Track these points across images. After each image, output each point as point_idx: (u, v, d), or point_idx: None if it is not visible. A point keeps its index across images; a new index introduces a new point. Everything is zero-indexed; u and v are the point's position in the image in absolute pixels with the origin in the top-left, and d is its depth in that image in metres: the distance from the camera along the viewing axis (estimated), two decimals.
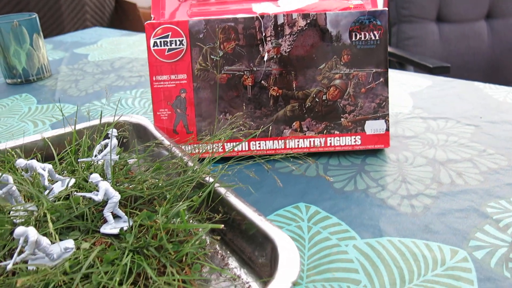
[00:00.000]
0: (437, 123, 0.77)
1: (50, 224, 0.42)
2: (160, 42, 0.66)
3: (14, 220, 0.47)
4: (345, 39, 0.66)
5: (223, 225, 0.46)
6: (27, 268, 0.42)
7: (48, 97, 1.02)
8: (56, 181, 0.53)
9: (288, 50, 0.66)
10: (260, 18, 0.65)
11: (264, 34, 0.66)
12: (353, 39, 0.65)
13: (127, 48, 1.40)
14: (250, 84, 0.67)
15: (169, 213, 0.46)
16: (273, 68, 0.66)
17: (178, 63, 0.67)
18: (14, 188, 0.50)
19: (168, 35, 0.66)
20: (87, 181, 0.53)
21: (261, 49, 0.66)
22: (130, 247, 0.43)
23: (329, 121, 0.67)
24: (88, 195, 0.47)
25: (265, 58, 0.66)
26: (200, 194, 0.50)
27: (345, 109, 0.67)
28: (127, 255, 0.42)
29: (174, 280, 0.40)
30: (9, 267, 0.40)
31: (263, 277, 0.43)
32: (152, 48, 0.66)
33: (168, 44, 0.66)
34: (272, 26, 0.65)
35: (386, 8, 0.65)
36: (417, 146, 0.70)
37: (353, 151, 0.70)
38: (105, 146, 0.57)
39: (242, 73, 0.67)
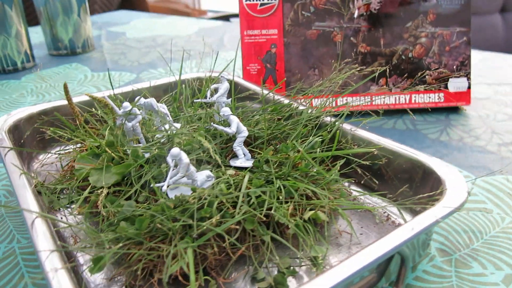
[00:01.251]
0: (503, 88, 0.80)
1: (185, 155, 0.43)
2: None
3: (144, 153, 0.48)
4: None
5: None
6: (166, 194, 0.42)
7: (100, 67, 1.01)
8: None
9: (378, 7, 0.68)
10: None
11: None
12: None
13: (161, 28, 1.40)
14: (340, 40, 0.69)
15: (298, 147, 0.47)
16: (362, 25, 0.68)
17: (269, 18, 0.68)
18: (137, 124, 0.50)
19: None
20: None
21: (351, 6, 0.68)
22: (275, 174, 0.44)
23: (414, 78, 0.69)
24: (222, 128, 0.48)
25: (355, 15, 0.68)
26: (329, 130, 0.51)
27: (429, 67, 0.69)
28: (273, 182, 0.43)
29: (325, 203, 0.41)
30: (164, 188, 0.41)
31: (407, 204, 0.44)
32: (244, 2, 0.68)
33: None
34: None
35: None
36: (492, 105, 0.73)
37: (433, 109, 0.72)
38: (215, 90, 0.57)
39: (332, 30, 0.68)
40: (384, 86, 0.70)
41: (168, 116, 0.52)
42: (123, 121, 0.49)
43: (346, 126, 0.51)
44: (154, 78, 0.92)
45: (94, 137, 0.51)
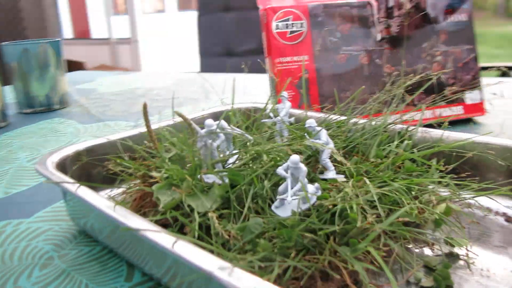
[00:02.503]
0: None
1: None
2: (282, 25, 0.69)
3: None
4: (441, 20, 0.74)
5: None
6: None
7: (88, 119, 0.95)
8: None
9: (397, 30, 0.72)
10: (371, 2, 0.71)
11: (377, 16, 0.71)
12: (447, 20, 0.74)
13: (132, 82, 1.36)
14: (366, 62, 0.71)
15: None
16: (385, 47, 0.72)
17: (299, 45, 0.69)
18: (211, 141, 0.47)
19: (289, 18, 0.69)
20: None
21: (372, 30, 0.72)
22: (385, 177, 0.43)
23: (435, 93, 0.73)
24: (313, 140, 0.47)
25: (378, 38, 0.72)
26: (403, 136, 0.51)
27: (447, 82, 0.74)
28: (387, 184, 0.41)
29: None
30: (289, 199, 0.38)
31: None
32: (274, 31, 0.68)
33: (290, 26, 0.69)
34: (384, 8, 0.72)
35: None
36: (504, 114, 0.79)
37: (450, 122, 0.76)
38: (275, 110, 0.56)
39: (358, 53, 0.71)
40: (410, 103, 0.73)
41: (245, 134, 0.49)
42: (205, 142, 0.45)
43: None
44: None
45: (173, 166, 0.46)
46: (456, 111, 0.74)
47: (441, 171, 0.45)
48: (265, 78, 1.32)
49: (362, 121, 0.56)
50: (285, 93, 0.55)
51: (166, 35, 8.22)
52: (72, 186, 0.42)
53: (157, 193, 0.42)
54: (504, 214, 0.45)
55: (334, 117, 0.57)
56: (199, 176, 0.44)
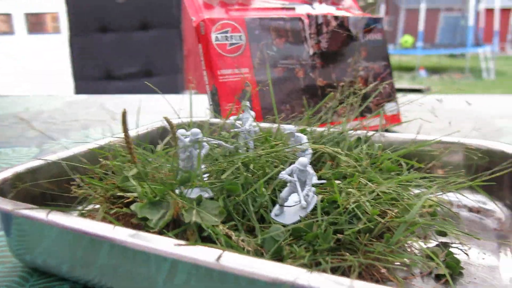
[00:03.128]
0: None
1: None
2: (221, 36, 0.66)
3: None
4: (361, 38, 0.79)
5: None
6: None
7: None
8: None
9: (326, 46, 0.75)
10: (303, 18, 0.73)
11: (309, 32, 0.73)
12: (366, 38, 0.80)
13: (10, 106, 1.18)
14: (302, 76, 0.72)
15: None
16: (317, 62, 0.74)
17: (240, 58, 0.67)
18: (194, 151, 0.42)
19: (228, 30, 0.67)
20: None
21: (305, 45, 0.73)
22: (373, 178, 0.43)
23: (361, 106, 0.77)
24: (295, 145, 0.45)
25: (310, 53, 0.73)
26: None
27: (371, 95, 0.79)
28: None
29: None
30: (303, 202, 0.36)
31: None
32: (214, 42, 0.65)
33: (229, 39, 0.67)
34: (315, 25, 0.74)
35: (383, 16, 0.83)
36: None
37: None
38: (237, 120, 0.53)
39: (294, 66, 0.72)
40: (341, 115, 0.75)
41: (224, 144, 0.45)
42: (190, 153, 0.40)
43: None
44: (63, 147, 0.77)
45: (148, 183, 0.40)
46: (378, 121, 0.79)
47: (416, 169, 0.47)
48: (175, 97, 1.26)
49: (319, 129, 0.56)
50: (247, 103, 0.53)
51: (16, 58, 7.52)
52: (32, 210, 0.33)
53: (142, 212, 0.36)
54: (465, 206, 0.48)
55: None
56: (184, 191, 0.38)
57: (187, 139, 0.40)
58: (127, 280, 0.32)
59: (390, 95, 0.81)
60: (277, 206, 0.39)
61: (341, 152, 0.41)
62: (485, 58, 7.34)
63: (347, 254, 0.31)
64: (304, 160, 0.36)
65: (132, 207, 0.37)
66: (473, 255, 0.38)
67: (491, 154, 0.46)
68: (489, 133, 0.81)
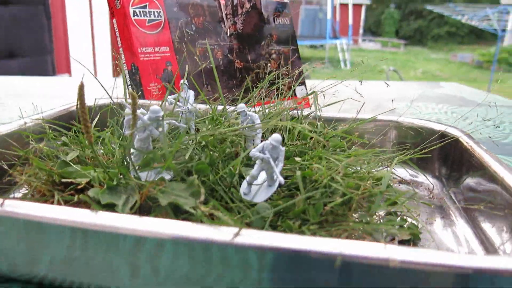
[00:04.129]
0: None
1: None
2: (140, 12, 0.61)
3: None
4: (272, 21, 0.81)
5: None
6: None
7: None
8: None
9: (241, 27, 0.75)
10: None
11: (225, 12, 0.72)
12: (276, 22, 0.81)
13: None
14: (221, 57, 0.71)
15: None
16: (234, 43, 0.73)
17: (159, 35, 0.63)
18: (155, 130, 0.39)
19: (146, 5, 0.62)
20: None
21: (222, 25, 0.72)
22: (326, 155, 0.45)
23: (276, 88, 0.79)
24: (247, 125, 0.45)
25: (228, 33, 0.72)
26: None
27: (283, 78, 0.81)
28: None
29: None
30: (282, 180, 0.36)
31: None
32: (132, 18, 0.61)
33: (148, 14, 0.62)
34: (230, 5, 0.73)
35: (288, 1, 0.85)
36: None
37: None
38: (175, 99, 0.50)
39: (213, 47, 0.70)
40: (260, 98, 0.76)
41: (177, 123, 0.42)
42: (150, 132, 0.37)
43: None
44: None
45: (104, 167, 0.35)
46: (293, 104, 0.82)
47: (358, 145, 0.50)
48: (48, 80, 1.15)
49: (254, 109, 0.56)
50: (185, 81, 0.50)
51: None
52: None
53: (104, 198, 0.32)
54: (399, 179, 0.53)
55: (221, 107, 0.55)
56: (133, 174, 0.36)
57: (146, 117, 0.37)
58: (105, 272, 0.28)
59: (299, 78, 0.84)
60: (245, 185, 0.38)
61: (301, 125, 0.41)
62: (342, 49, 8.07)
63: (331, 227, 0.32)
64: (278, 136, 0.36)
65: (90, 193, 0.33)
66: (422, 221, 0.42)
67: (421, 132, 0.51)
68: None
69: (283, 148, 0.37)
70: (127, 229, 0.26)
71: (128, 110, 0.41)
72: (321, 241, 0.24)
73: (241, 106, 0.45)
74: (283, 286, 0.25)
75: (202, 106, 0.56)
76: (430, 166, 0.50)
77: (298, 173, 0.35)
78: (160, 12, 0.64)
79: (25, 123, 0.47)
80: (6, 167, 0.41)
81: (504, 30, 6.13)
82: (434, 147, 0.48)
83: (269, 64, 0.79)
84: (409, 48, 11.33)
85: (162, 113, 0.37)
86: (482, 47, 9.90)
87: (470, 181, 0.45)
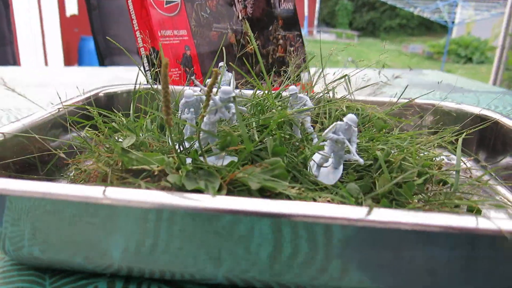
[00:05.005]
0: None
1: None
2: None
3: None
4: (277, 6, 0.79)
5: None
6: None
7: None
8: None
9: (251, 12, 0.73)
10: None
11: None
12: (282, 7, 0.80)
13: None
14: (234, 42, 0.69)
15: None
16: (245, 28, 0.72)
17: (177, 18, 0.61)
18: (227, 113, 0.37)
19: None
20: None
21: (234, 9, 0.70)
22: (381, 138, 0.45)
23: (282, 74, 0.79)
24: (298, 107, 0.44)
25: (240, 18, 0.71)
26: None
27: (289, 64, 0.80)
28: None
29: None
30: (360, 160, 0.36)
31: None
32: None
33: None
34: None
35: None
36: None
37: None
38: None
39: (226, 31, 0.68)
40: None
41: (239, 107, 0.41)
42: (223, 114, 0.35)
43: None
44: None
45: (177, 152, 0.34)
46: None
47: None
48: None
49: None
50: (223, 64, 0.49)
51: None
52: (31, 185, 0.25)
53: (189, 184, 0.31)
54: None
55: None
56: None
57: (217, 99, 0.35)
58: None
59: (304, 65, 0.84)
60: (315, 167, 0.37)
61: (374, 107, 0.40)
62: None
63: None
64: (353, 117, 0.35)
65: (170, 179, 0.31)
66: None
67: (459, 114, 0.52)
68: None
69: (356, 129, 0.37)
70: (247, 211, 0.25)
71: (189, 92, 0.39)
72: (455, 218, 0.24)
73: (293, 88, 0.44)
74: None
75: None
76: (469, 148, 0.51)
77: (379, 153, 0.35)
78: None
79: (58, 110, 0.43)
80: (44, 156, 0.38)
81: (453, 23, 6.42)
82: (475, 129, 0.49)
83: (277, 50, 0.77)
84: (362, 39, 11.62)
85: (233, 94, 0.35)
86: (432, 38, 10.31)
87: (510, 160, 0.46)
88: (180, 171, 0.33)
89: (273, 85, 0.74)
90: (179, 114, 0.40)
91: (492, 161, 0.49)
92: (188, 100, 0.38)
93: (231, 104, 0.36)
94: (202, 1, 0.65)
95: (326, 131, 0.36)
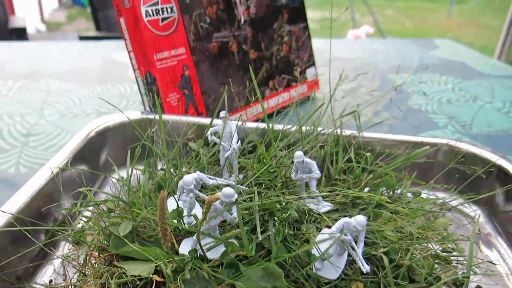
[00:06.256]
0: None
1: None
2: (152, 11, 0.53)
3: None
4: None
5: None
6: None
7: None
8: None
9: (254, 12, 0.67)
10: None
11: None
12: None
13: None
14: (235, 50, 0.64)
15: None
16: (248, 31, 0.66)
17: (174, 35, 0.55)
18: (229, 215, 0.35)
19: (158, 1, 0.54)
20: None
21: (236, 12, 0.64)
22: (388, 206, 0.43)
23: (288, 75, 0.74)
24: (308, 176, 0.42)
25: (242, 21, 0.65)
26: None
27: (294, 62, 0.75)
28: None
29: None
30: (366, 267, 0.33)
31: None
32: (145, 19, 0.52)
33: (160, 12, 0.54)
34: None
35: None
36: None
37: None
38: (214, 133, 0.45)
39: (228, 39, 0.63)
40: (273, 88, 0.71)
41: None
42: (219, 217, 0.33)
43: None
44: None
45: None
46: (302, 89, 0.77)
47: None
48: None
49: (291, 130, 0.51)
50: (223, 112, 0.45)
51: None
52: None
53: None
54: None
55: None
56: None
57: (218, 203, 0.32)
58: None
59: (309, 60, 0.79)
60: (318, 261, 0.35)
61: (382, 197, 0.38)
62: None
63: None
64: (363, 220, 0.33)
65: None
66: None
67: (474, 159, 0.49)
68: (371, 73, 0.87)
69: (364, 231, 0.34)
70: None
71: (188, 180, 0.36)
72: None
73: (299, 154, 0.41)
74: None
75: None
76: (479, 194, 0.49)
77: (385, 259, 0.33)
78: (173, 6, 0.55)
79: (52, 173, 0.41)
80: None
81: None
82: (487, 179, 0.46)
83: (281, 49, 0.72)
84: None
85: (236, 196, 0.32)
86: None
87: None
88: (178, 278, 0.31)
89: (277, 89, 0.70)
90: (177, 196, 0.37)
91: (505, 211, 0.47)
92: (187, 187, 0.35)
93: (233, 206, 0.33)
94: (201, 9, 0.59)
95: (333, 228, 0.34)
